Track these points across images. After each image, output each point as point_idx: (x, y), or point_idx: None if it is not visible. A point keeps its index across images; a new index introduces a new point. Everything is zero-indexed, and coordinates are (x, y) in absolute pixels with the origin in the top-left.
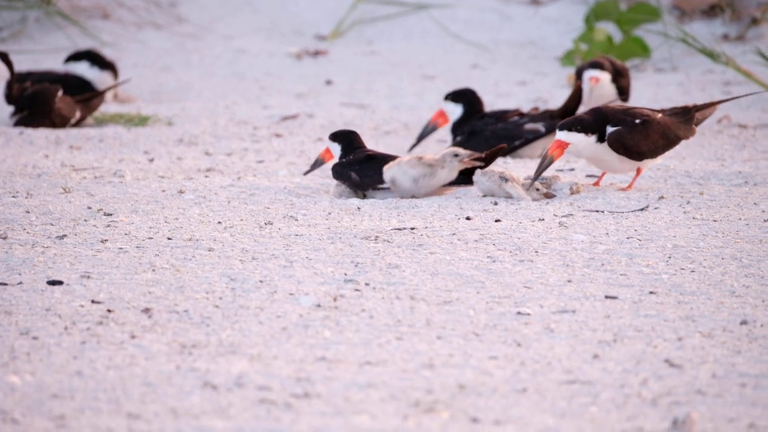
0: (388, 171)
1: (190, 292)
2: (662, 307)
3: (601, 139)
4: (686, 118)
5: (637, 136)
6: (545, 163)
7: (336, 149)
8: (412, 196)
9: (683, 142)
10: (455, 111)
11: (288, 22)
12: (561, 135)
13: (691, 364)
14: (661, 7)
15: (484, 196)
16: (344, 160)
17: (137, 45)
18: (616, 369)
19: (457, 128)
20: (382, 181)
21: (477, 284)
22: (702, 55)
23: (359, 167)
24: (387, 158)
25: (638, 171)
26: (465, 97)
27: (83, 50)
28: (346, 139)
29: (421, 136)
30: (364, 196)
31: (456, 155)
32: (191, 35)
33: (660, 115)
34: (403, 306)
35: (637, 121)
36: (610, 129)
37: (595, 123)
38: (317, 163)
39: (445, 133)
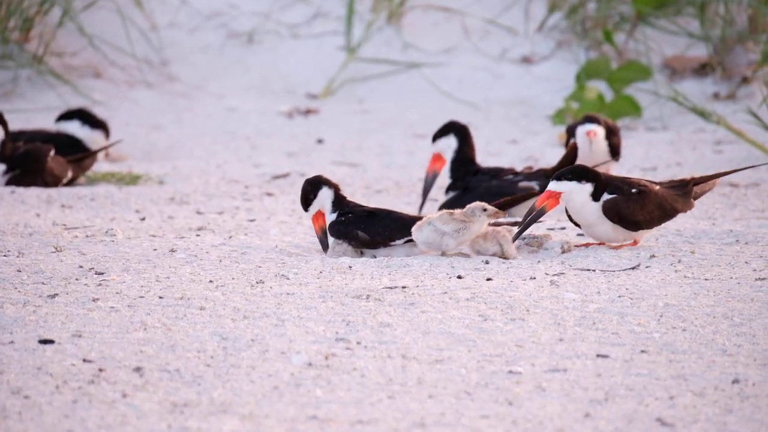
0: (420, 231)
1: (181, 351)
2: (654, 365)
3: (595, 197)
4: (685, 191)
5: (634, 205)
6: (534, 215)
7: (328, 195)
8: (443, 253)
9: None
10: (450, 145)
11: (279, 81)
12: (552, 185)
13: (683, 423)
14: (652, 66)
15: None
16: (343, 218)
17: (129, 104)
18: (607, 428)
19: (456, 167)
20: (393, 238)
21: (468, 343)
22: (693, 113)
23: (365, 225)
24: (389, 213)
25: (634, 242)
26: (453, 128)
27: (74, 109)
28: (339, 190)
29: (426, 190)
30: (374, 255)
31: (484, 209)
32: (182, 94)
33: (658, 186)
34: (394, 365)
35: (634, 190)
36: (606, 196)
37: (593, 176)
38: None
39: (436, 191)
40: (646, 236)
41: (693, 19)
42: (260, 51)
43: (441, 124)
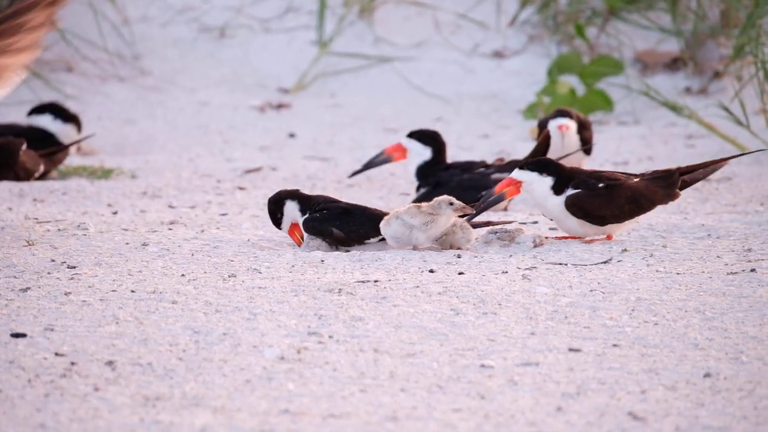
0: (388, 225)
1: (153, 344)
2: (626, 359)
3: (557, 191)
4: (668, 182)
5: (599, 200)
6: (492, 200)
7: (293, 207)
8: (414, 247)
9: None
10: (421, 154)
11: (251, 75)
12: (514, 172)
13: (655, 416)
14: (624, 61)
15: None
16: (317, 214)
17: (101, 98)
18: (579, 422)
19: (422, 174)
20: (369, 236)
21: (440, 337)
22: (665, 108)
23: (340, 222)
24: (365, 210)
25: (609, 237)
26: (435, 141)
27: (46, 103)
28: (301, 195)
29: (370, 165)
30: (347, 250)
31: (451, 203)
32: (155, 88)
33: (636, 179)
34: (366, 358)
35: (602, 184)
36: (570, 191)
37: (555, 169)
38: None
39: (407, 185)
40: (621, 230)
41: (665, 13)
42: (232, 45)
43: (423, 127)
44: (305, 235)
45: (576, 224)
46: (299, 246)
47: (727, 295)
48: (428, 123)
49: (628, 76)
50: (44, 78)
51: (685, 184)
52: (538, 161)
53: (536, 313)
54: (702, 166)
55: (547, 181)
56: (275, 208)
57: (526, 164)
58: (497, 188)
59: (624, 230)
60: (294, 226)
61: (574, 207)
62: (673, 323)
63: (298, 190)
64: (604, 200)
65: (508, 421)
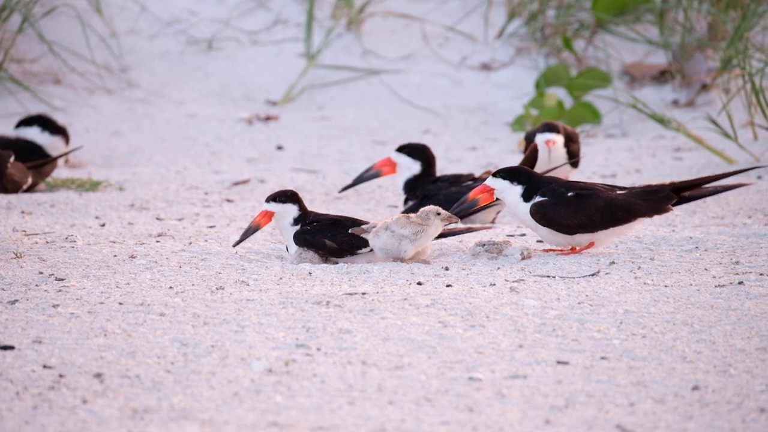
0: (377, 237)
1: (141, 357)
2: (614, 372)
3: (526, 198)
4: (659, 196)
5: (564, 209)
6: (464, 206)
7: (292, 211)
8: (401, 259)
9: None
10: (410, 167)
11: (239, 88)
12: (488, 179)
13: (643, 429)
14: (612, 73)
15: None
16: (308, 227)
17: (88, 110)
18: None
19: (410, 188)
20: (361, 246)
21: (428, 349)
22: (652, 120)
23: (332, 234)
24: (354, 221)
25: (590, 244)
26: (424, 155)
27: (34, 115)
28: (300, 201)
29: (360, 179)
30: (335, 262)
31: (438, 213)
32: (142, 100)
33: (619, 191)
34: (354, 371)
35: (571, 193)
36: (537, 199)
37: (526, 178)
38: (250, 231)
39: (395, 198)
40: (602, 242)
41: (652, 26)
42: (220, 57)
43: (412, 141)
44: (294, 248)
45: (546, 233)
46: (250, 226)
47: (715, 307)
48: (416, 135)
49: (615, 89)
50: (32, 90)
51: (685, 199)
52: (510, 169)
53: (524, 326)
54: (703, 181)
55: (517, 189)
56: (283, 197)
57: (498, 172)
58: (471, 194)
59: (606, 243)
60: (268, 214)
61: (537, 215)
62: (662, 336)
63: (305, 204)
64: (570, 209)
65: None
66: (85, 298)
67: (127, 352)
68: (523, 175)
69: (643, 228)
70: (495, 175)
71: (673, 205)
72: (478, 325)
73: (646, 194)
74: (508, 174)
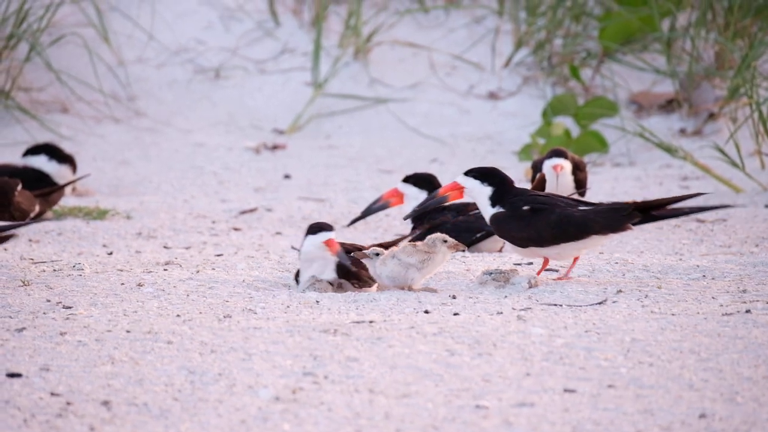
0: (384, 265)
1: (149, 384)
2: (621, 400)
3: (493, 203)
4: (620, 214)
5: (517, 222)
6: (433, 201)
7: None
8: (409, 288)
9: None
10: (417, 197)
11: (246, 116)
12: (459, 177)
13: None
14: (619, 102)
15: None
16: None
17: (96, 139)
18: None
19: (417, 217)
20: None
21: (436, 377)
22: (660, 149)
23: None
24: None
25: (545, 261)
26: (431, 184)
27: (41, 144)
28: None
29: (368, 212)
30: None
31: (444, 241)
32: (150, 129)
33: (582, 207)
34: (361, 399)
35: (527, 207)
36: (498, 209)
37: (498, 181)
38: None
39: (402, 226)
40: (560, 257)
41: (659, 55)
42: (227, 86)
43: (418, 171)
44: (306, 276)
45: (508, 244)
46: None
47: (722, 336)
48: (424, 164)
49: (623, 118)
50: (39, 119)
51: (652, 218)
52: (482, 169)
53: (531, 354)
54: (670, 201)
55: (486, 191)
56: (316, 229)
57: (470, 171)
58: (441, 191)
59: (565, 258)
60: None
61: (493, 225)
62: (669, 364)
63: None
64: (522, 223)
65: None
66: (93, 326)
67: (135, 379)
68: (495, 177)
69: (650, 256)
70: (467, 173)
71: (638, 223)
72: (485, 354)
73: (607, 212)
74: (479, 174)
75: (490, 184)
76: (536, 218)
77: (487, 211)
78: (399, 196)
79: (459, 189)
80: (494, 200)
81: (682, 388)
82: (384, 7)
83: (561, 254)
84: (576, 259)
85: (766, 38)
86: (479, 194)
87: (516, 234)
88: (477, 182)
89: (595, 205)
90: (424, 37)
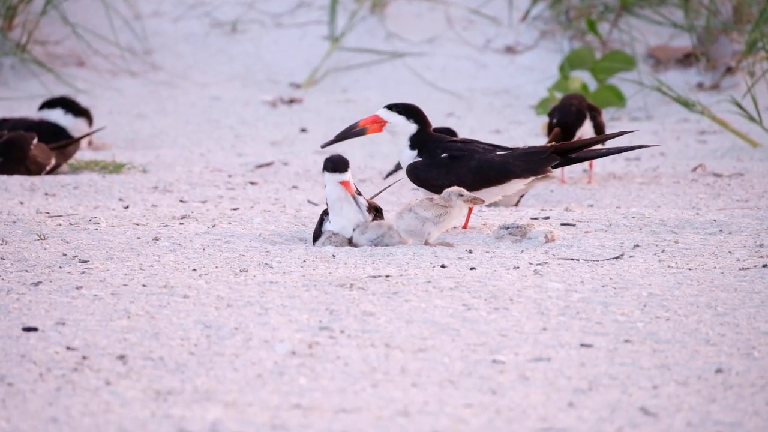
0: (401, 218)
1: (165, 339)
2: (637, 355)
3: (411, 146)
4: (540, 157)
5: (436, 170)
6: (351, 132)
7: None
8: (425, 242)
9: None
10: (405, 128)
11: (263, 71)
12: (381, 110)
13: (667, 412)
14: (636, 56)
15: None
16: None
17: (112, 92)
18: (591, 417)
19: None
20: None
21: (452, 332)
22: (677, 103)
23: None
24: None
25: (470, 210)
26: (418, 115)
27: (58, 97)
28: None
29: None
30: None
31: (461, 195)
32: (166, 83)
33: (498, 153)
34: (378, 353)
35: (444, 155)
36: (415, 159)
37: (421, 119)
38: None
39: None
40: (490, 200)
41: (677, 9)
42: (244, 40)
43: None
44: (323, 234)
45: (422, 191)
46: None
47: (739, 290)
48: (440, 118)
49: (640, 72)
50: (55, 72)
51: (572, 161)
52: (408, 105)
53: (548, 309)
54: (589, 143)
55: (411, 128)
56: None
57: (394, 105)
58: (361, 122)
59: (486, 202)
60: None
61: (411, 175)
62: (685, 319)
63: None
64: (442, 170)
65: (519, 416)
66: (109, 280)
67: (151, 334)
68: (419, 115)
69: (666, 210)
70: (391, 107)
71: (558, 166)
72: (502, 308)
73: (526, 155)
74: (405, 110)
75: (415, 122)
76: (456, 165)
77: (405, 153)
78: (378, 124)
79: (380, 123)
80: (414, 142)
81: (698, 342)
82: None
83: (490, 200)
84: (470, 210)
85: None
86: (401, 131)
87: (436, 182)
88: (402, 118)
89: (513, 149)
90: None
